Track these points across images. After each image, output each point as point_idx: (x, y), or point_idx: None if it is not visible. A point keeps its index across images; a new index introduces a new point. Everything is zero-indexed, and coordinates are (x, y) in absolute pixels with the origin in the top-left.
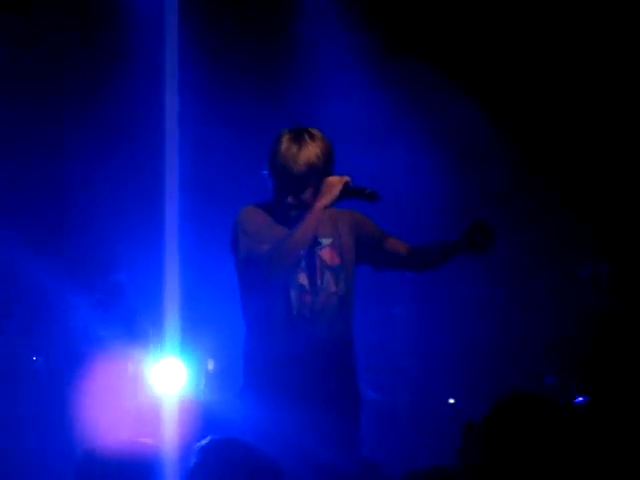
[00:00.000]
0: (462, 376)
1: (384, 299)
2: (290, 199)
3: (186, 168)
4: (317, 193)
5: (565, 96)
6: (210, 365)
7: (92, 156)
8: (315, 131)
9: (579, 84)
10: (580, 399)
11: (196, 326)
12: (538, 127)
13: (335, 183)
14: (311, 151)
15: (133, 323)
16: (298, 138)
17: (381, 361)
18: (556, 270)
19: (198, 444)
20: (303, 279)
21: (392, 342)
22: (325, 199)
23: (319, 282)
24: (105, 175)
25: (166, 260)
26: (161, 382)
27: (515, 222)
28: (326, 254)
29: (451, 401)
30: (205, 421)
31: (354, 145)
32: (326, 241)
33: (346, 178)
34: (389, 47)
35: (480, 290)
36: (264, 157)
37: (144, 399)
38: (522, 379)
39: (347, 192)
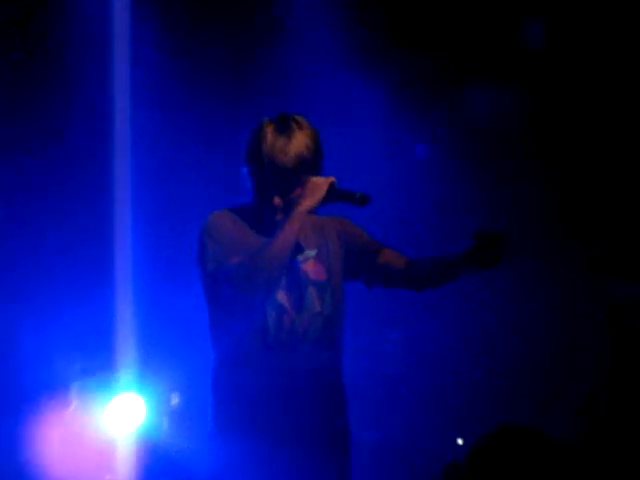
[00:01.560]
0: (471, 413)
1: (378, 322)
2: (277, 200)
3: (140, 169)
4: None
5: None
6: (174, 400)
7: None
8: (300, 118)
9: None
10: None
11: (157, 354)
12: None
13: (320, 184)
14: (301, 141)
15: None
16: (285, 127)
17: (375, 395)
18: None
19: None
20: (282, 297)
21: (388, 373)
22: (308, 202)
23: (301, 301)
24: (41, 179)
25: (116, 276)
26: (115, 422)
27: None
28: (310, 268)
29: (460, 442)
30: (168, 467)
31: (340, 137)
32: (310, 252)
33: (331, 178)
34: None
35: (492, 312)
36: (240, 153)
37: (96, 443)
38: (533, 412)
39: (333, 194)
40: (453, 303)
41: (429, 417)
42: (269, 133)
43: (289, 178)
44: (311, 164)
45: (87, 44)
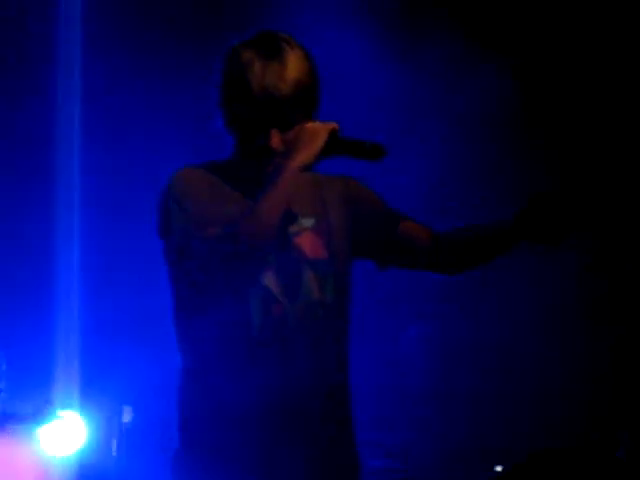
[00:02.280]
0: (508, 429)
1: (394, 314)
2: (276, 139)
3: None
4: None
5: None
6: (127, 416)
7: None
8: (286, 35)
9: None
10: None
11: (104, 358)
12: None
13: (317, 131)
14: (297, 63)
15: None
16: (273, 49)
17: (390, 408)
18: None
19: None
20: (270, 280)
21: (405, 378)
22: (303, 155)
23: (295, 285)
24: None
25: (57, 254)
26: (53, 444)
27: None
28: (306, 242)
29: (498, 469)
30: None
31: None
32: (306, 222)
33: (332, 124)
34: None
35: (533, 304)
36: (212, 92)
37: (30, 469)
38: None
39: (335, 145)
40: (487, 291)
41: (455, 435)
42: (254, 59)
43: (288, 112)
44: (311, 92)
45: None
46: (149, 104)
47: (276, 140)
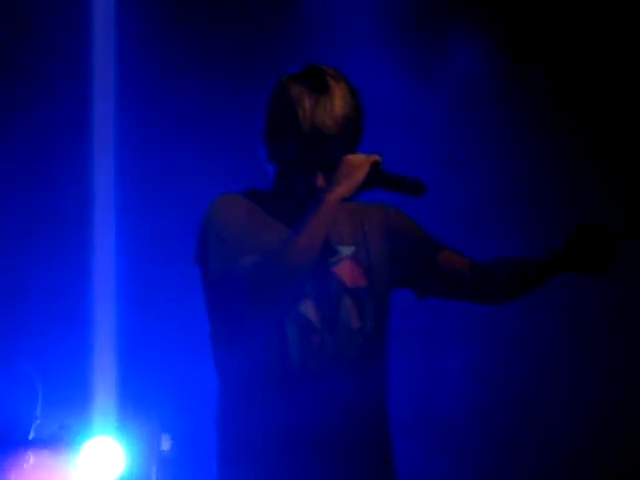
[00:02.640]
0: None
1: (432, 345)
2: (320, 181)
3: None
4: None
5: None
6: (165, 444)
7: None
8: (331, 69)
9: None
10: None
11: (143, 386)
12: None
13: (359, 164)
14: (344, 99)
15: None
16: (320, 83)
17: (430, 439)
18: None
19: None
20: (308, 309)
21: (446, 409)
22: (344, 187)
23: (334, 314)
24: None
25: (95, 279)
26: (89, 473)
27: None
28: (345, 271)
29: None
30: None
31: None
32: (345, 251)
33: (374, 157)
34: None
35: (583, 328)
36: (257, 124)
37: None
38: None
39: (376, 179)
40: (533, 317)
41: (503, 474)
42: (304, 94)
43: (334, 149)
44: (356, 127)
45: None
46: (193, 127)
47: (321, 181)
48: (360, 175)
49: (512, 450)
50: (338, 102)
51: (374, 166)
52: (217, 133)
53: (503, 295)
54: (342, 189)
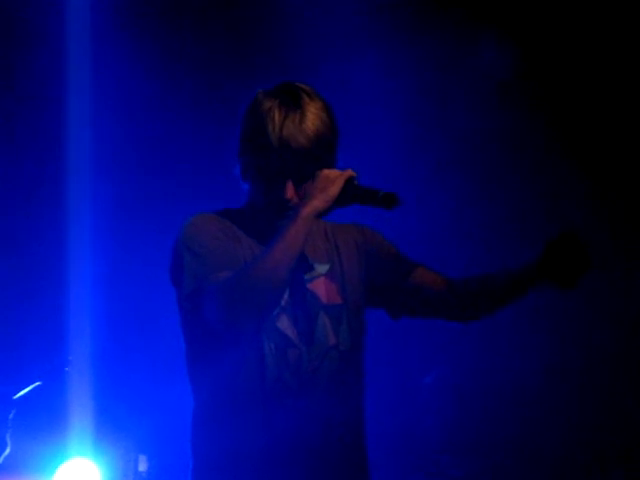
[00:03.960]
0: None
1: (409, 362)
2: (290, 192)
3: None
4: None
5: None
6: (142, 465)
7: None
8: (307, 87)
9: None
10: None
11: (119, 406)
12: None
13: (333, 178)
14: (316, 115)
15: None
16: (293, 100)
17: (408, 458)
18: None
19: None
20: (285, 325)
21: (423, 428)
22: (318, 201)
23: (310, 330)
24: None
25: (70, 301)
26: None
27: None
28: (320, 288)
29: None
30: None
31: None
32: (320, 268)
33: (349, 172)
34: None
35: (562, 342)
36: (231, 140)
37: None
38: None
39: (350, 193)
40: (512, 332)
41: None
42: (274, 109)
43: (305, 164)
44: (329, 144)
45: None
46: (167, 144)
47: (291, 192)
48: (335, 189)
49: (491, 465)
50: (311, 118)
51: (349, 180)
52: (194, 154)
53: (481, 310)
54: (317, 202)
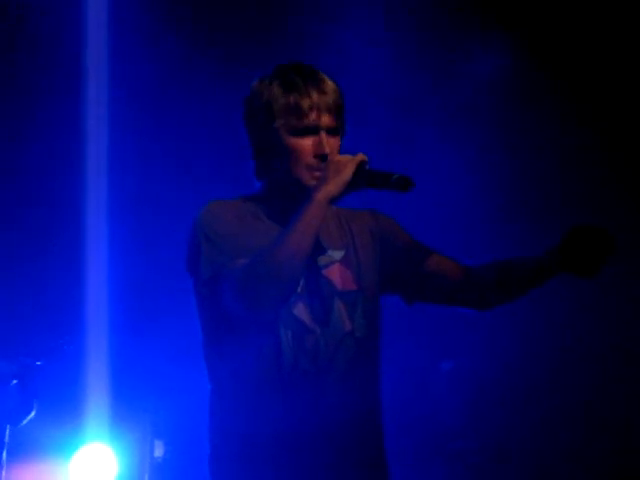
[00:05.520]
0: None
1: (426, 349)
2: (325, 146)
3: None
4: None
5: None
6: (158, 450)
7: None
8: (313, 69)
9: None
10: None
11: (135, 391)
12: None
13: (344, 163)
14: (334, 86)
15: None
16: (308, 72)
17: (424, 443)
18: None
19: None
20: (301, 311)
21: (440, 413)
22: (331, 187)
23: (326, 315)
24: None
25: (88, 287)
26: (84, 479)
27: None
28: (335, 274)
29: None
30: None
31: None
32: (335, 254)
33: (360, 156)
34: None
35: (576, 331)
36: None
37: None
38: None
39: (363, 178)
40: (524, 321)
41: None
42: (279, 90)
43: (322, 116)
44: (339, 104)
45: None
46: (183, 134)
47: (325, 146)
48: (347, 173)
49: (507, 454)
50: (329, 85)
51: (360, 165)
52: (211, 139)
53: (499, 298)
54: (330, 187)
